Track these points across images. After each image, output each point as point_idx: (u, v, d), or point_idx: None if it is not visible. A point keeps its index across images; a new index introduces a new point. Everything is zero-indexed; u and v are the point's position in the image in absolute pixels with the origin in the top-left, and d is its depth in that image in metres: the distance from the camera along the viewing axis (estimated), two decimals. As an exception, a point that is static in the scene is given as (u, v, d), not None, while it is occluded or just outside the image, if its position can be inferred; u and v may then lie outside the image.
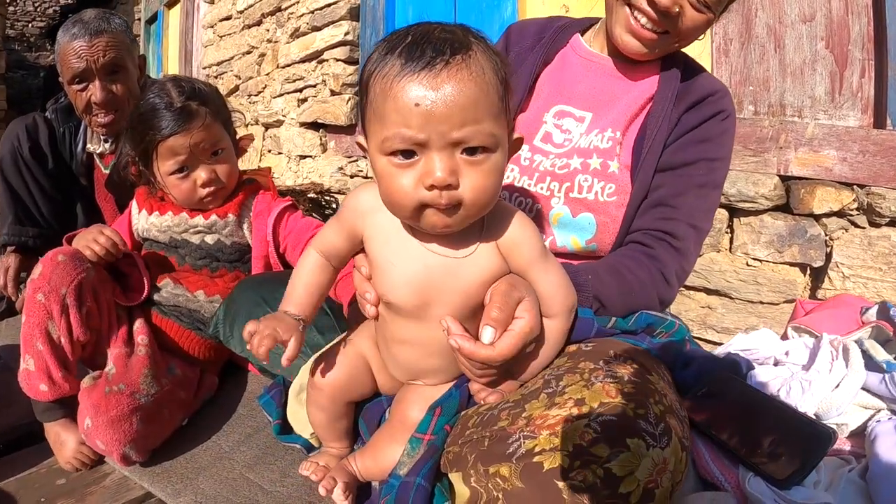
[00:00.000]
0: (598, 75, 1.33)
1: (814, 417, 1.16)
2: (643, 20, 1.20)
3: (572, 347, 1.02)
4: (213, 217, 1.61)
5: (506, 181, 1.30)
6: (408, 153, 0.85)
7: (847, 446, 1.18)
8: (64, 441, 1.38)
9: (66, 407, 1.39)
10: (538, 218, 1.27)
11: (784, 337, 1.54)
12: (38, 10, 13.68)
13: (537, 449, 0.79)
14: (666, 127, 1.23)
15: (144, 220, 1.68)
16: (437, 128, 0.82)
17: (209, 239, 1.63)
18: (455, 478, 0.88)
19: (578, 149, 1.27)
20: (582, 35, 1.40)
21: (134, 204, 1.72)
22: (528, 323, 0.92)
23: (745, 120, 2.10)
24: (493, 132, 0.86)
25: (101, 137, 2.25)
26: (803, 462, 0.94)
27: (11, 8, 12.03)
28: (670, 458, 0.77)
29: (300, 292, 1.08)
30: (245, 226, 1.66)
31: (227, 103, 1.71)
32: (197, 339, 1.57)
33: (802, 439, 0.97)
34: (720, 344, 2.17)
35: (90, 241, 1.45)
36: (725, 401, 1.07)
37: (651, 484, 0.75)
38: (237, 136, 1.73)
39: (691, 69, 1.31)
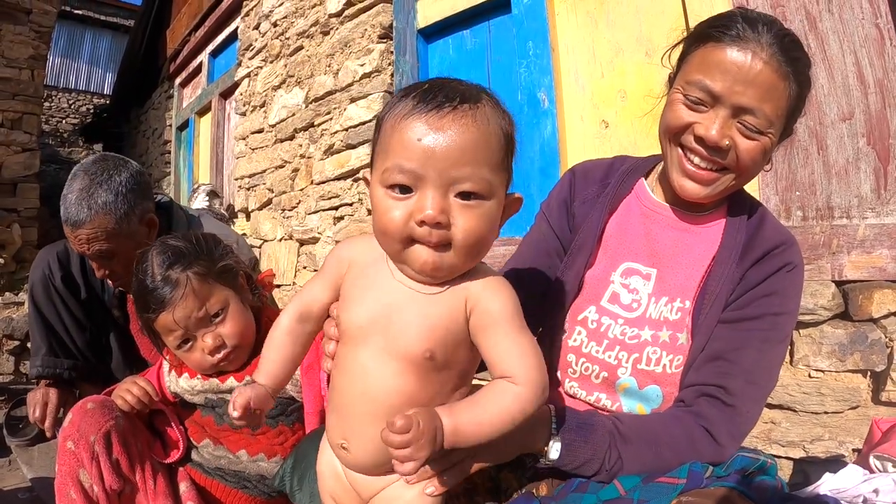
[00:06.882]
0: (660, 227, 1.27)
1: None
2: (696, 160, 1.14)
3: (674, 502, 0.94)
4: (247, 378, 1.47)
5: (573, 344, 1.25)
6: (405, 189, 0.88)
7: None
8: None
9: None
10: (604, 384, 1.22)
11: (866, 467, 1.44)
12: (72, 107, 14.51)
13: None
14: (728, 286, 1.17)
15: (175, 383, 1.58)
16: (435, 165, 0.85)
17: (247, 397, 1.56)
18: None
19: (650, 320, 1.22)
20: (646, 178, 1.34)
21: (165, 363, 1.61)
22: None
23: (795, 228, 2.05)
24: (488, 179, 0.88)
25: None
26: None
27: (46, 104, 12.57)
28: None
29: (275, 367, 1.06)
30: None
31: (224, 253, 1.55)
32: (245, 498, 1.52)
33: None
34: (787, 458, 2.06)
35: (123, 390, 1.46)
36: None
37: None
38: (251, 279, 1.61)
39: (758, 215, 1.23)
